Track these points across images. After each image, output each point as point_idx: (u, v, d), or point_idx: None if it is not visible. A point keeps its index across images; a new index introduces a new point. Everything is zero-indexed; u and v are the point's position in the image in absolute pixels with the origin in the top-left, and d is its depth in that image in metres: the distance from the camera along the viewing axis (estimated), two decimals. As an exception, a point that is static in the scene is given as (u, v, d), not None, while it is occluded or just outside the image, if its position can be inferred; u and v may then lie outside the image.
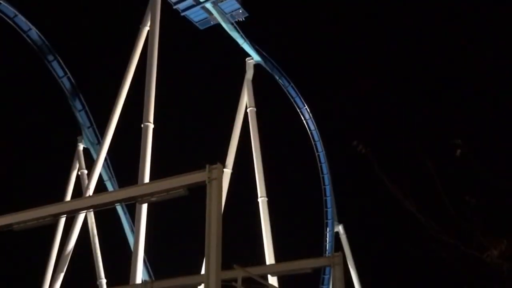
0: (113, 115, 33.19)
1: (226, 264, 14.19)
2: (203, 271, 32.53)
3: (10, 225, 16.59)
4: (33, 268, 37.75)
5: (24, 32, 37.47)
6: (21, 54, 40.95)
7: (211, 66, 50.97)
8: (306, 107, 47.26)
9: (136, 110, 31.18)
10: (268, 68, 43.45)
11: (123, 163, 38.59)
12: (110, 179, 38.54)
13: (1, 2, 35.86)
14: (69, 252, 33.10)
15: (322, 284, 46.27)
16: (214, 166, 14.30)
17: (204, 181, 14.31)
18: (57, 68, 38.70)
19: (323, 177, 48.64)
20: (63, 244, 34.42)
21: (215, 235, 13.88)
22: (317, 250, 47.64)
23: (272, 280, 24.97)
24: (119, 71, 33.82)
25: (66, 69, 38.97)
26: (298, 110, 47.17)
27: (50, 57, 38.35)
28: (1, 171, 45.26)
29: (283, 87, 45.47)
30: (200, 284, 22.92)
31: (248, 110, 39.52)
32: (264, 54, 42.48)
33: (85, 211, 26.73)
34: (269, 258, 35.30)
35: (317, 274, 45.73)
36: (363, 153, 10.89)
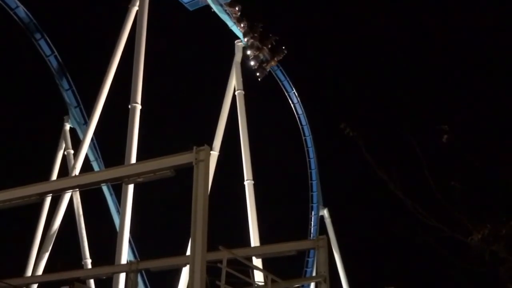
0: (100, 95, 32.94)
1: (211, 246, 14.18)
2: (188, 252, 32.89)
3: (-5, 203, 16.46)
4: (18, 248, 37.64)
5: (11, 9, 37.05)
6: (8, 31, 40.48)
7: (200, 48, 50.70)
8: (294, 91, 47.32)
9: (124, 91, 31.05)
10: (257, 51, 43.28)
11: (110, 144, 38.45)
12: (96, 159, 38.45)
13: (-13, -21, 35.40)
14: (54, 232, 32.99)
15: (307, 266, 46.62)
16: (201, 148, 14.21)
17: (191, 163, 14.21)
18: (44, 47, 38.37)
19: (309, 161, 48.91)
20: (48, 224, 34.31)
21: (201, 217, 13.83)
22: (302, 233, 47.99)
23: (257, 262, 25.04)
24: (107, 51, 33.59)
25: (53, 48, 38.64)
26: (286, 94, 47.22)
27: (38, 35, 38.03)
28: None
29: (271, 71, 45.45)
30: (185, 265, 23.00)
31: (236, 93, 39.44)
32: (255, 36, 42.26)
33: (71, 190, 26.73)
34: (254, 240, 35.46)
35: (301, 257, 46.06)
36: (350, 136, 10.90)
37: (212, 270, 14.21)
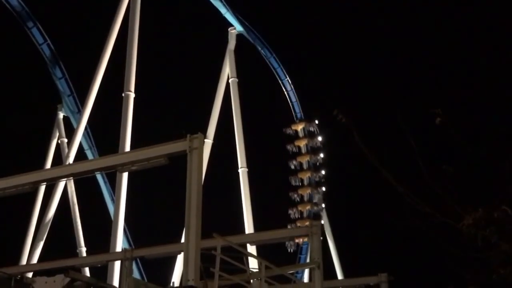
0: (93, 84, 32.86)
1: (206, 234, 14.23)
2: (183, 240, 32.96)
3: (-14, 193, 16.47)
4: (13, 236, 37.65)
5: (5, -2, 36.81)
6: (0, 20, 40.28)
7: (193, 35, 50.50)
8: (288, 78, 47.28)
9: (117, 79, 30.97)
10: (250, 39, 43.22)
11: (104, 132, 38.40)
12: (90, 148, 38.44)
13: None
14: (49, 221, 33.03)
15: (300, 253, 46.82)
16: (195, 135, 14.24)
17: (185, 151, 14.24)
18: (37, 35, 38.24)
19: (303, 148, 48.94)
20: (43, 212, 34.33)
21: (195, 204, 13.87)
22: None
23: (251, 249, 25.12)
24: (100, 39, 33.44)
25: (46, 36, 38.52)
26: (280, 82, 47.14)
27: (30, 24, 37.88)
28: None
29: (265, 58, 45.38)
30: (180, 253, 23.03)
31: (230, 81, 39.38)
32: (247, 24, 42.22)
33: (65, 179, 26.69)
34: (249, 227, 35.56)
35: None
36: (343, 122, 10.92)
37: (206, 258, 14.23)
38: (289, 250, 45.12)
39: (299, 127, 49.00)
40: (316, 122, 49.17)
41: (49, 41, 38.57)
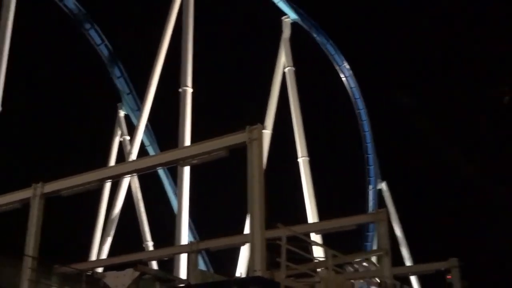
0: (151, 81, 33.32)
1: (269, 224, 14.19)
2: (246, 231, 33.08)
3: (59, 191, 16.96)
4: (81, 233, 38.58)
5: (60, 1, 37.66)
6: (58, 23, 41.24)
7: (247, 26, 50.27)
8: (346, 64, 46.46)
9: (174, 75, 31.23)
10: (305, 26, 42.74)
11: (164, 127, 38.82)
12: (151, 144, 38.98)
13: (36, -28, 36.05)
14: (115, 217, 33.76)
15: (366, 241, 46.19)
16: (254, 126, 14.24)
17: (245, 142, 14.25)
18: (95, 36, 39.04)
19: (364, 135, 48.12)
20: (109, 209, 35.09)
21: (257, 195, 13.87)
22: (359, 208, 47.47)
23: (316, 238, 25.01)
24: (156, 37, 33.79)
25: (103, 37, 39.27)
26: (337, 68, 46.41)
27: (87, 25, 38.65)
28: (46, 140, 46.10)
29: (321, 45, 44.78)
30: (244, 244, 23.13)
31: (286, 70, 39.14)
32: (301, 11, 41.77)
33: (129, 175, 27.30)
34: (312, 216, 35.37)
35: (359, 232, 45.57)
36: (406, 104, 10.65)
37: (271, 248, 14.20)
38: None
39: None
40: None
41: (106, 42, 39.36)
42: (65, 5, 37.82)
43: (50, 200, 17.37)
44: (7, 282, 17.39)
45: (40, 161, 42.72)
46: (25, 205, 17.38)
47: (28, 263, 16.17)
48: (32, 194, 16.97)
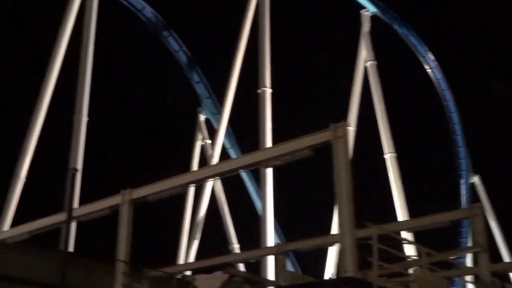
0: (230, 84, 33.43)
1: (357, 223, 13.87)
2: (334, 231, 32.65)
3: (145, 196, 17.25)
4: (168, 238, 39.18)
5: (139, 11, 38.59)
6: (137, 32, 42.20)
7: (325, 22, 49.54)
8: (430, 54, 44.85)
9: (252, 76, 31.20)
10: (385, 19, 41.67)
11: (244, 129, 38.91)
12: (232, 146, 39.14)
13: (115, -16, 37.02)
14: (200, 220, 34.07)
15: (461, 237, 44.44)
16: (338, 124, 14.02)
17: (329, 140, 14.00)
18: (173, 43, 39.71)
19: (454, 127, 46.32)
20: (194, 213, 35.46)
21: (346, 194, 13.63)
22: (450, 203, 45.76)
23: (406, 236, 24.32)
24: (233, 39, 33.88)
25: (181, 43, 39.88)
26: (422, 59, 44.90)
27: (165, 33, 39.36)
28: (130, 147, 47.23)
29: (403, 37, 43.50)
30: (333, 244, 22.78)
31: (367, 64, 38.35)
32: (381, 4, 40.80)
33: (212, 179, 27.48)
34: (402, 214, 34.47)
35: (450, 229, 43.89)
36: (503, 94, 10.01)
37: (361, 247, 13.91)
38: None
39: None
40: None
41: (184, 48, 39.96)
42: (143, 15, 38.76)
43: (137, 206, 17.67)
44: (101, 287, 17.78)
45: (125, 168, 43.82)
46: (114, 211, 17.76)
47: (120, 267, 16.50)
48: (121, 201, 17.31)
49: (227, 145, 38.93)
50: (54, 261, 16.29)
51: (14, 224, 24.82)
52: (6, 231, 23.54)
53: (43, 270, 16.49)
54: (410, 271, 16.70)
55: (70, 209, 15.25)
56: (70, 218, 15.02)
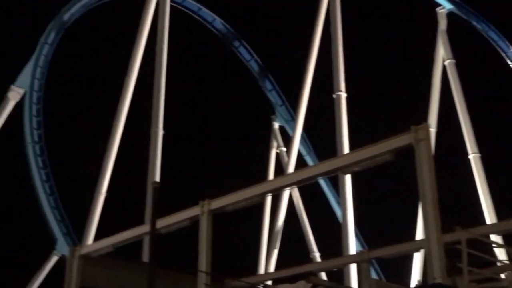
0: (303, 90, 33.18)
1: (443, 228, 13.31)
2: (418, 236, 31.74)
3: (224, 207, 17.17)
4: (248, 248, 39.16)
5: (209, 23, 39.17)
6: (206, 44, 42.78)
7: (398, 22, 48.43)
8: (512, 49, 43.14)
9: (326, 81, 30.83)
10: (463, 15, 40.36)
11: (320, 135, 38.51)
12: (308, 153, 38.87)
13: (184, -1, 37.77)
14: (279, 229, 33.85)
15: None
16: (419, 126, 13.50)
17: (411, 144, 13.50)
18: (244, 53, 40.08)
19: (541, 124, 44.30)
20: (272, 222, 35.29)
21: (430, 199, 13.12)
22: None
23: (497, 240, 23.33)
24: (304, 45, 33.65)
25: (252, 53, 40.13)
26: (504, 55, 43.18)
27: (236, 43, 39.81)
28: (206, 158, 47.75)
29: (482, 33, 41.96)
30: (418, 250, 22.10)
31: (446, 63, 37.27)
32: (457, 0, 39.56)
33: (289, 187, 27.24)
34: (490, 216, 33.14)
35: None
36: None
37: (449, 252, 13.37)
38: None
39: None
40: None
41: (256, 57, 40.22)
42: (213, 27, 39.36)
43: (216, 216, 17.64)
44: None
45: (202, 179, 44.27)
46: (194, 223, 17.79)
47: (202, 278, 16.49)
48: (200, 211, 17.31)
49: (303, 152, 38.65)
50: (142, 273, 16.41)
51: (96, 238, 25.41)
52: (90, 245, 24.06)
53: (132, 283, 16.69)
54: (502, 276, 16.04)
55: (154, 221, 15.37)
56: (153, 230, 15.17)
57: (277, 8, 50.92)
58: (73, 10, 35.47)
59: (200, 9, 39.02)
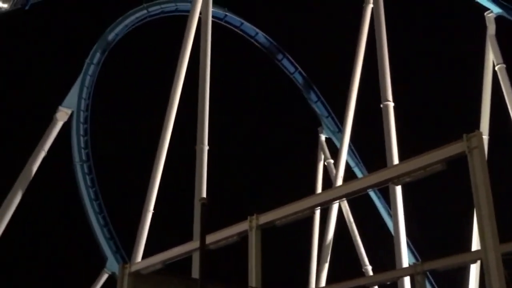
0: (350, 101, 32.82)
1: (501, 238, 12.84)
2: (474, 247, 30.81)
3: (273, 221, 16.93)
4: (299, 261, 38.79)
5: (252, 37, 39.24)
6: (249, 58, 42.85)
7: (446, 27, 47.56)
8: None
9: (372, 91, 30.32)
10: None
11: (368, 146, 37.97)
12: (357, 165, 38.39)
13: (227, 14, 37.92)
14: (329, 242, 33.40)
15: None
16: (472, 134, 13.09)
17: (463, 152, 13.11)
18: (288, 65, 39.94)
19: None
20: (322, 235, 34.85)
21: (486, 208, 12.73)
22: None
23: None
24: (349, 54, 33.27)
25: (296, 65, 39.97)
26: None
27: (280, 56, 39.71)
28: (253, 173, 47.68)
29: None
30: (475, 261, 21.44)
31: (496, 68, 36.34)
32: (505, 3, 38.57)
33: (339, 200, 26.78)
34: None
35: None
36: None
37: (507, 263, 12.92)
38: None
39: None
40: None
41: (300, 69, 40.04)
42: (256, 41, 39.37)
43: (264, 231, 17.42)
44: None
45: (249, 194, 44.17)
46: (243, 238, 17.59)
47: (253, 294, 16.24)
48: (248, 227, 17.10)
49: (351, 164, 38.16)
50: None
51: (145, 255, 25.45)
52: (140, 262, 24.09)
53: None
54: None
55: (203, 237, 15.28)
56: (203, 246, 15.09)
57: (319, 18, 50.74)
58: (117, 30, 36.20)
59: (242, 23, 39.15)
